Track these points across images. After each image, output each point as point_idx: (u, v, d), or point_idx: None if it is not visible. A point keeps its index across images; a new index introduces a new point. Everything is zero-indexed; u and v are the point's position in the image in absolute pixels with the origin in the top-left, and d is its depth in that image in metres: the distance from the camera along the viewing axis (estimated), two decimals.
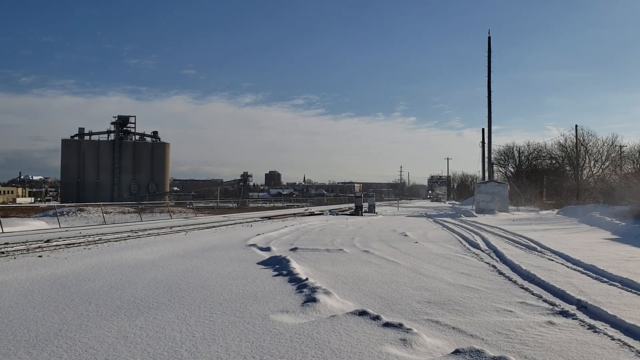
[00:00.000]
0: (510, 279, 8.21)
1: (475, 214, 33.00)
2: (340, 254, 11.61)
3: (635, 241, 13.96)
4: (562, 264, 9.78)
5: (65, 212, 36.59)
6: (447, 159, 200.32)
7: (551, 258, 10.70)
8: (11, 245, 14.13)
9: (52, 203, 77.20)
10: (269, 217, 31.31)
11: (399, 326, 5.10)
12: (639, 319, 5.41)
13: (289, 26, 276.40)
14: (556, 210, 34.98)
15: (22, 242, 14.87)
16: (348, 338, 4.82)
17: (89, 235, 17.34)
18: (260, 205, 62.09)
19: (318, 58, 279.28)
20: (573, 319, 5.62)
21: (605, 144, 45.37)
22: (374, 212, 38.72)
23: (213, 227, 22.32)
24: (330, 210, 43.66)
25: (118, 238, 16.32)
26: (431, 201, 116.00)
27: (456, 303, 6.43)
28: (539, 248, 12.41)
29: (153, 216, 36.56)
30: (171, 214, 36.61)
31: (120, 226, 23.52)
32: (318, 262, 10.15)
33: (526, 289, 7.34)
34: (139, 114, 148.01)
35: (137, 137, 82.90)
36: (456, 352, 4.31)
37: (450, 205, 71.31)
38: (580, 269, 9.17)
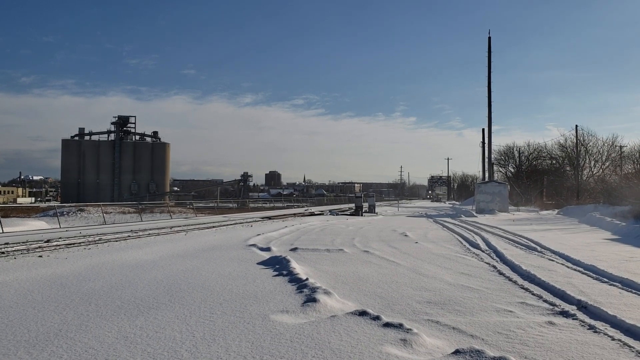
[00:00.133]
0: (510, 279, 8.21)
1: (475, 214, 33.00)
2: (341, 254, 11.61)
3: (636, 241, 13.96)
4: (562, 264, 9.77)
5: (65, 212, 36.59)
6: (447, 159, 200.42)
7: (551, 258, 10.70)
8: (11, 245, 14.13)
9: (52, 203, 77.24)
10: (269, 217, 31.31)
11: (399, 326, 5.10)
12: (639, 319, 5.40)
13: (289, 26, 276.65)
14: (556, 211, 34.98)
15: (23, 242, 14.87)
16: (348, 338, 4.82)
17: (89, 235, 17.34)
18: (260, 205, 62.11)
19: (318, 58, 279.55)
20: (573, 319, 5.62)
21: (606, 144, 45.43)
22: (374, 212, 38.72)
23: (213, 227, 22.32)
24: (330, 211, 43.66)
25: (118, 238, 16.32)
26: (431, 201, 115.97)
27: (456, 303, 6.43)
28: (539, 248, 12.40)
29: (153, 216, 36.57)
30: (171, 214, 36.62)
31: (121, 226, 23.52)
32: (318, 262, 10.15)
33: (526, 289, 7.34)
34: (139, 114, 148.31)
35: (137, 137, 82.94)
36: (456, 352, 4.31)
37: (451, 205, 71.31)
38: (581, 269, 9.16)
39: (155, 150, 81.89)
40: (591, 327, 5.26)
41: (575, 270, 9.09)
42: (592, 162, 45.85)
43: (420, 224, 24.05)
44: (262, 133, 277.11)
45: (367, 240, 15.14)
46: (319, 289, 6.87)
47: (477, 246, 13.24)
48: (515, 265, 9.59)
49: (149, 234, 18.28)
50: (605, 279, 8.04)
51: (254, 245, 13.39)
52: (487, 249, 12.65)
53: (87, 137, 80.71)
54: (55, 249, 13.27)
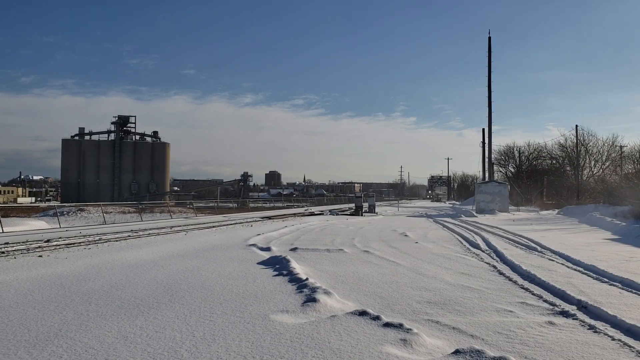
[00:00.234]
0: (510, 279, 8.20)
1: (475, 214, 32.99)
2: (341, 254, 11.60)
3: (636, 241, 13.96)
4: (563, 264, 9.77)
5: (65, 212, 36.60)
6: (447, 159, 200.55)
7: (551, 258, 10.70)
8: (11, 245, 14.13)
9: (52, 203, 77.24)
10: (269, 217, 31.31)
11: (399, 326, 5.10)
12: (639, 319, 5.40)
13: (289, 26, 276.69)
14: (556, 211, 34.98)
15: (23, 242, 14.87)
16: (348, 338, 4.82)
17: (89, 235, 17.34)
18: (260, 205, 62.10)
19: (318, 58, 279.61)
20: (573, 319, 5.62)
21: (606, 144, 45.42)
22: (374, 212, 38.71)
23: (213, 227, 22.32)
24: (330, 210, 43.66)
25: (118, 238, 16.32)
26: (431, 201, 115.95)
27: (456, 303, 6.43)
28: (539, 248, 12.40)
29: (153, 216, 36.57)
30: (171, 213, 36.62)
31: (121, 226, 23.52)
32: (318, 262, 10.15)
33: (526, 289, 7.34)
34: (139, 114, 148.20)
35: (137, 137, 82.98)
36: (456, 352, 4.31)
37: (451, 205, 71.29)
38: (581, 269, 9.16)
39: (155, 150, 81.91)
40: (591, 327, 5.26)
41: (575, 270, 9.09)
42: (592, 162, 45.88)
43: (420, 224, 24.04)
44: (262, 133, 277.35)
45: (367, 240, 15.14)
46: (319, 289, 6.87)
47: (477, 246, 13.24)
48: (515, 265, 9.59)
49: (149, 233, 18.28)
50: (605, 279, 8.03)
51: (254, 245, 13.39)
52: (487, 248, 12.64)
53: (87, 137, 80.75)
54: (55, 248, 13.27)
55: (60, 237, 16.48)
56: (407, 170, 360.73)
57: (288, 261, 9.66)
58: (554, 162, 54.15)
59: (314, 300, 6.30)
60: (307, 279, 7.78)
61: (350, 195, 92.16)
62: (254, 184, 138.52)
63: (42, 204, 65.21)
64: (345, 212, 39.78)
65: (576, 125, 43.42)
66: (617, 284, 7.67)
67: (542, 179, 52.57)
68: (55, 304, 6.41)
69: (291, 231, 18.58)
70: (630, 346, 4.63)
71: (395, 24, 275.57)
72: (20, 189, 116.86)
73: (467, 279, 8.22)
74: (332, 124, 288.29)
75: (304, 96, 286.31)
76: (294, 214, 37.29)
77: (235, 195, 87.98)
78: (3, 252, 12.32)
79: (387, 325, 5.19)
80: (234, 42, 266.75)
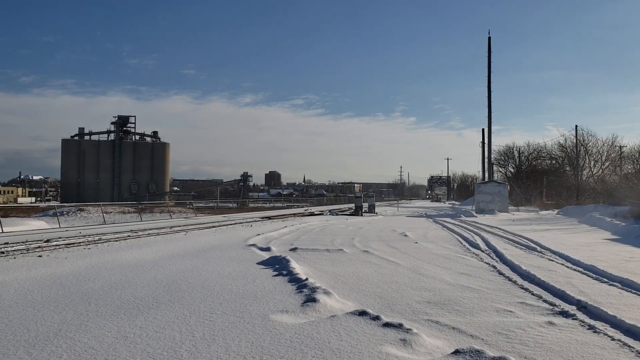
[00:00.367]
0: (510, 279, 8.21)
1: (475, 214, 32.99)
2: (340, 254, 11.61)
3: (635, 241, 13.96)
4: (562, 264, 9.78)
5: (65, 212, 36.59)
6: (447, 159, 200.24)
7: (551, 258, 10.70)
8: (11, 245, 14.12)
9: (52, 203, 77.23)
10: (269, 217, 31.31)
11: (399, 326, 5.10)
12: (639, 319, 5.40)
13: (289, 26, 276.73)
14: (556, 211, 34.99)
15: (22, 242, 14.87)
16: (348, 338, 4.82)
17: (88, 235, 17.34)
18: (260, 205, 62.10)
19: (318, 58, 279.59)
20: (573, 319, 5.62)
21: (605, 144, 45.43)
22: (374, 213, 38.72)
23: (213, 227, 22.32)
24: (330, 211, 43.66)
25: (118, 238, 16.32)
26: (431, 201, 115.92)
27: (456, 303, 6.43)
28: (538, 248, 12.40)
29: (153, 216, 36.57)
30: (171, 214, 36.61)
31: (120, 226, 23.52)
32: (318, 262, 10.15)
33: (526, 289, 7.34)
34: (139, 114, 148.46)
35: (137, 137, 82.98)
36: (456, 352, 4.31)
37: (450, 205, 71.29)
38: (580, 269, 9.16)
39: (155, 150, 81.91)
40: (591, 327, 5.26)
41: (575, 270, 9.09)
42: (592, 162, 45.90)
43: (420, 224, 24.05)
44: (262, 133, 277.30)
45: (366, 240, 15.14)
46: (319, 289, 6.87)
47: (476, 246, 13.24)
48: (515, 265, 9.59)
49: (149, 233, 18.27)
50: (605, 279, 8.04)
51: (253, 245, 13.39)
52: (487, 249, 12.65)
53: (87, 137, 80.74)
54: (54, 248, 13.26)
55: (60, 237, 16.48)
56: (407, 170, 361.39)
57: (288, 261, 9.66)
58: (554, 162, 54.17)
59: (314, 300, 6.30)
60: (306, 279, 7.78)
61: (350, 195, 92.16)
62: (254, 184, 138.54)
63: (42, 204, 65.23)
64: (345, 212, 39.78)
65: (576, 126, 43.48)
66: (617, 284, 7.67)
67: (542, 179, 52.60)
68: (55, 304, 6.41)
69: (291, 231, 18.58)
70: (629, 346, 4.63)
71: (395, 24, 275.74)
72: (20, 189, 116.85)
73: (466, 279, 8.22)
74: (332, 124, 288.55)
75: (303, 96, 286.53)
76: (294, 214, 37.28)
77: (235, 195, 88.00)
78: (3, 252, 12.32)
79: (387, 325, 5.19)
80: (234, 42, 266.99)
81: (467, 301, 6.56)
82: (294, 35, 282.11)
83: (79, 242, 14.89)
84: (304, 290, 7.02)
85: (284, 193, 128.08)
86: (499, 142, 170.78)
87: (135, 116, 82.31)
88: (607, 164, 44.77)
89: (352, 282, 7.96)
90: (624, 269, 8.98)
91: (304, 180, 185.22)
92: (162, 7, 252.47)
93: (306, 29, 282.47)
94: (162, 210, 41.29)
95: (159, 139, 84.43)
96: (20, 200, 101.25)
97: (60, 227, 22.86)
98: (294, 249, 12.20)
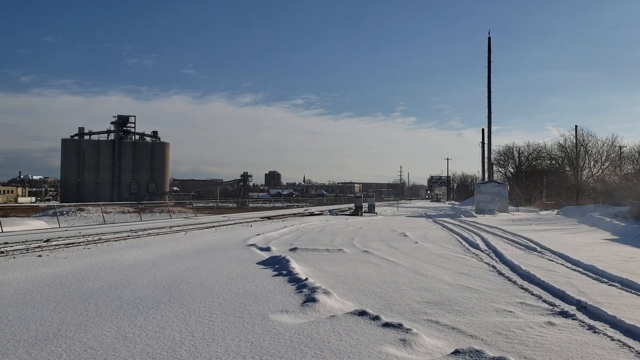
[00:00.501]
0: (509, 280, 8.21)
1: (475, 214, 33.00)
2: (340, 254, 11.60)
3: (635, 242, 13.97)
4: (562, 265, 9.78)
5: (65, 212, 36.59)
6: (447, 159, 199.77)
7: (551, 258, 10.70)
8: (11, 244, 14.12)
9: (52, 203, 77.22)
10: (269, 217, 31.31)
11: (399, 326, 5.10)
12: (638, 319, 5.40)
13: (288, 26, 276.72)
14: (556, 211, 34.99)
15: (22, 242, 14.86)
16: (347, 338, 4.81)
17: (88, 235, 17.33)
18: (260, 205, 62.10)
19: (318, 58, 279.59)
20: (573, 319, 5.62)
21: (605, 145, 45.40)
22: (374, 212, 38.71)
23: (213, 227, 22.32)
24: (330, 211, 43.65)
25: (118, 238, 16.32)
26: (431, 201, 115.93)
27: (456, 303, 6.43)
28: (538, 248, 12.41)
29: (153, 216, 36.57)
30: (171, 213, 36.61)
31: (120, 226, 23.51)
32: (318, 262, 10.15)
33: (526, 290, 7.34)
34: (139, 114, 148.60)
35: (137, 137, 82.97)
36: (456, 352, 4.31)
37: (450, 205, 71.31)
38: (580, 269, 9.17)
39: (154, 150, 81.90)
40: (591, 328, 5.26)
41: (574, 270, 9.09)
42: (592, 163, 45.86)
43: (419, 224, 24.05)
44: (262, 133, 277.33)
45: (366, 240, 15.14)
46: (319, 289, 6.87)
47: (476, 246, 13.24)
48: (514, 265, 9.59)
49: (149, 233, 18.27)
50: (604, 279, 8.04)
51: (253, 245, 13.39)
52: (487, 249, 12.65)
53: (86, 137, 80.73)
54: (54, 248, 13.26)
55: (59, 237, 16.47)
56: (407, 170, 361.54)
57: (287, 261, 9.66)
58: (554, 162, 54.15)
59: (314, 300, 6.30)
60: (306, 279, 7.78)
61: (350, 195, 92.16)
62: (254, 184, 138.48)
63: (42, 204, 65.23)
64: (345, 212, 39.78)
65: (575, 126, 43.47)
66: (617, 284, 7.67)
67: (542, 179, 52.62)
68: (55, 304, 6.41)
69: (291, 231, 18.58)
70: (629, 346, 4.63)
71: (395, 24, 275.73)
72: (20, 189, 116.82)
73: (466, 279, 8.22)
74: (332, 124, 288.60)
75: (303, 96, 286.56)
76: (294, 214, 37.28)
77: (235, 195, 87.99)
78: (2, 252, 12.31)
79: (387, 325, 5.18)
80: (234, 42, 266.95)
81: (467, 301, 6.56)
82: (294, 35, 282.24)
83: (78, 242, 14.89)
84: (304, 290, 7.01)
85: (284, 193, 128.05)
86: (499, 142, 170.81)
87: (135, 116, 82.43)
88: (607, 164, 44.76)
89: (352, 282, 7.96)
90: (623, 269, 8.98)
91: (304, 180, 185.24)
92: (162, 7, 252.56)
93: (306, 29, 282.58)
94: (161, 210, 41.29)
95: (159, 138, 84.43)
96: (20, 200, 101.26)
97: (60, 227, 22.86)
98: (293, 249, 12.20)
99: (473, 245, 13.63)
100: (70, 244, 14.43)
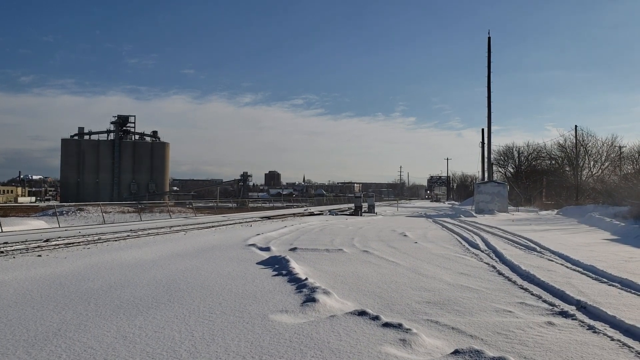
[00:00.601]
0: (509, 280, 8.21)
1: (474, 214, 32.99)
2: (340, 254, 11.60)
3: (635, 242, 13.97)
4: (562, 265, 9.78)
5: (64, 212, 36.58)
6: (447, 159, 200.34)
7: (551, 258, 10.70)
8: (10, 244, 14.11)
9: (52, 202, 77.15)
10: (269, 217, 31.30)
11: (399, 326, 5.10)
12: (638, 319, 5.40)
13: (288, 26, 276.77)
14: (556, 211, 34.99)
15: (22, 242, 14.86)
16: (347, 338, 4.81)
17: (88, 235, 17.33)
18: (259, 205, 62.10)
19: (318, 58, 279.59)
20: (572, 319, 5.62)
21: (605, 145, 45.39)
22: (374, 212, 38.72)
23: (213, 227, 22.31)
24: (329, 211, 43.65)
25: (117, 238, 16.31)
26: (431, 201, 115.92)
27: (456, 303, 6.43)
28: (538, 248, 12.41)
29: (153, 216, 36.55)
30: (171, 213, 36.60)
31: (120, 226, 23.51)
32: (317, 262, 10.15)
33: (525, 290, 7.34)
34: (139, 114, 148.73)
35: (137, 136, 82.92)
36: (456, 352, 4.31)
37: (450, 205, 71.29)
38: (580, 269, 9.17)
39: (154, 150, 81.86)
40: (590, 328, 5.26)
41: (574, 270, 9.10)
42: (592, 163, 45.85)
43: (419, 224, 24.05)
44: (262, 133, 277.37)
45: (366, 240, 15.14)
46: (318, 289, 6.87)
47: (476, 246, 13.24)
48: (514, 265, 9.59)
49: (149, 233, 18.27)
50: (604, 279, 8.04)
51: (253, 245, 13.39)
52: (487, 249, 12.65)
53: (86, 137, 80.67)
54: (54, 248, 13.26)
55: (59, 237, 16.47)
56: (407, 170, 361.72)
57: (287, 261, 9.66)
58: (553, 162, 54.15)
59: (313, 300, 6.30)
60: (306, 278, 7.78)
61: (349, 195, 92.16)
62: (254, 184, 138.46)
63: (42, 204, 65.22)
64: (345, 212, 39.78)
65: (575, 126, 43.49)
66: (616, 284, 7.67)
67: (542, 179, 52.61)
68: (54, 304, 6.41)
69: (290, 231, 18.57)
70: (629, 346, 4.63)
71: (395, 24, 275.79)
72: (19, 189, 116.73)
73: (466, 279, 8.22)
74: (332, 124, 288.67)
75: (303, 96, 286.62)
76: (294, 214, 37.28)
77: (234, 195, 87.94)
78: (2, 252, 12.31)
79: (387, 325, 5.18)
80: (234, 42, 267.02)
81: (467, 301, 6.56)
82: (294, 35, 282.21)
83: (78, 242, 14.88)
84: (304, 290, 7.01)
85: (284, 193, 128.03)
86: (499, 142, 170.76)
87: (134, 116, 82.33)
88: (606, 164, 44.75)
89: (352, 282, 7.96)
90: (623, 269, 8.98)
91: (304, 180, 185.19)
92: (162, 7, 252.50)
93: (306, 29, 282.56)
94: (161, 210, 41.29)
95: (159, 138, 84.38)
96: (20, 199, 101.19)
97: (59, 227, 22.85)
98: (293, 249, 12.20)
99: (473, 245, 13.63)
100: (70, 243, 14.42)
